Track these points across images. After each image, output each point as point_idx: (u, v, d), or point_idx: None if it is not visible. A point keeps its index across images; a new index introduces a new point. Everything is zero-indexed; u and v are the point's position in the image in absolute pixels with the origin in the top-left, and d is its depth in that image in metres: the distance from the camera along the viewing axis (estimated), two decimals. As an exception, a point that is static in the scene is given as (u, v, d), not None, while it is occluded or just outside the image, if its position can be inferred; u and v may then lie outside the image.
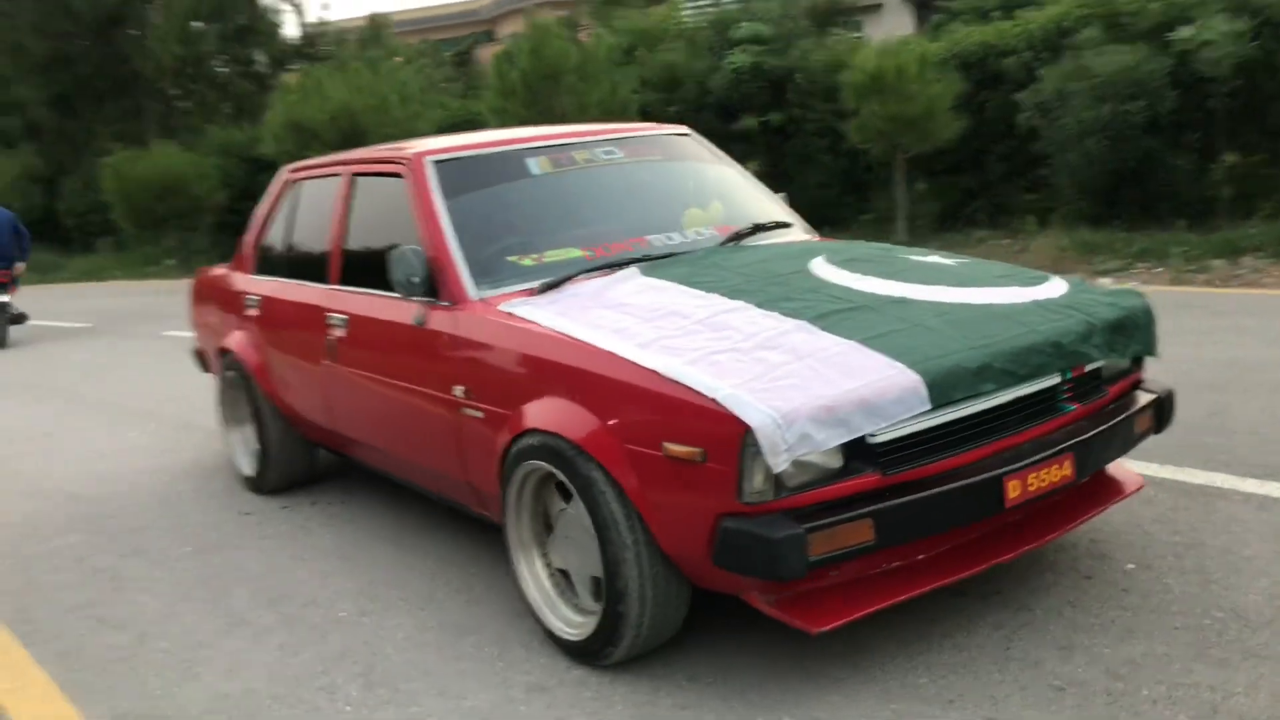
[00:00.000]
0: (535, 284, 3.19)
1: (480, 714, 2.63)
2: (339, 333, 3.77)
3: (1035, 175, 10.64)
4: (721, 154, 4.19)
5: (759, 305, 2.84)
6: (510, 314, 3.03)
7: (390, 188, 3.65)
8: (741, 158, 12.64)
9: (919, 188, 12.01)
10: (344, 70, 15.93)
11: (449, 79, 21.23)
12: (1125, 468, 3.23)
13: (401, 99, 15.83)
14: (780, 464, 2.29)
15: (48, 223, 23.41)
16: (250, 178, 17.86)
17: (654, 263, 3.30)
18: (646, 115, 13.41)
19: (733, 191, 4.01)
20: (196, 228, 19.34)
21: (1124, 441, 2.91)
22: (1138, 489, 3.10)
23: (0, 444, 6.15)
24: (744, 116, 12.59)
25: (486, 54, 22.32)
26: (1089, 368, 2.85)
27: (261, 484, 4.57)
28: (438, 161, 3.56)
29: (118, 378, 8.09)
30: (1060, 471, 2.65)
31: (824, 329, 2.66)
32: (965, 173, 11.35)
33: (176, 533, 4.25)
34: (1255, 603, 2.77)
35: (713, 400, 2.38)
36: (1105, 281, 8.19)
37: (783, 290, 2.96)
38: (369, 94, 15.59)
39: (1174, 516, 3.38)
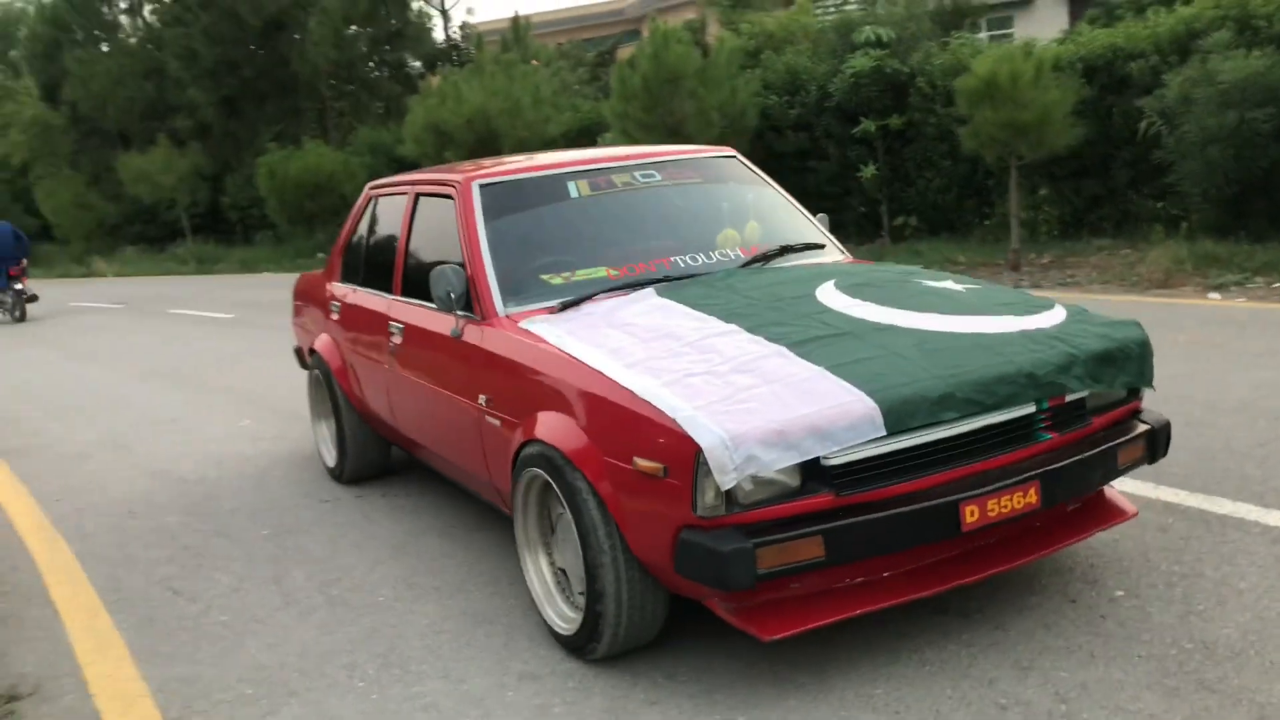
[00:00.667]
0: (555, 302, 3.44)
1: (473, 697, 2.90)
2: (397, 340, 4.10)
3: (1161, 183, 10.31)
4: (764, 176, 4.34)
5: (749, 329, 3.02)
6: (527, 330, 3.28)
7: (444, 209, 3.95)
8: (860, 161, 12.72)
9: (1041, 194, 11.77)
10: (480, 74, 16.55)
11: (585, 81, 21.71)
12: (1121, 496, 3.27)
13: (534, 102, 16.36)
14: (728, 482, 2.47)
15: (213, 216, 25.06)
16: (395, 177, 18.72)
17: (671, 284, 3.50)
18: (767, 118, 13.54)
19: (770, 213, 4.17)
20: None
21: (1105, 472, 2.96)
22: (1127, 518, 3.15)
23: (133, 427, 6.79)
24: (863, 120, 12.54)
25: (627, 54, 22.86)
26: (1070, 398, 2.92)
27: (340, 474, 4.97)
28: (484, 185, 3.84)
29: (246, 367, 8.73)
30: (1024, 499, 2.74)
31: (799, 355, 2.82)
32: (1091, 178, 11.07)
33: (260, 515, 4.68)
34: (1228, 636, 2.80)
35: (673, 420, 2.57)
36: (1214, 297, 7.94)
37: (777, 315, 3.12)
38: (503, 97, 16.18)
39: (1182, 545, 3.39)
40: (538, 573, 3.23)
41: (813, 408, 2.57)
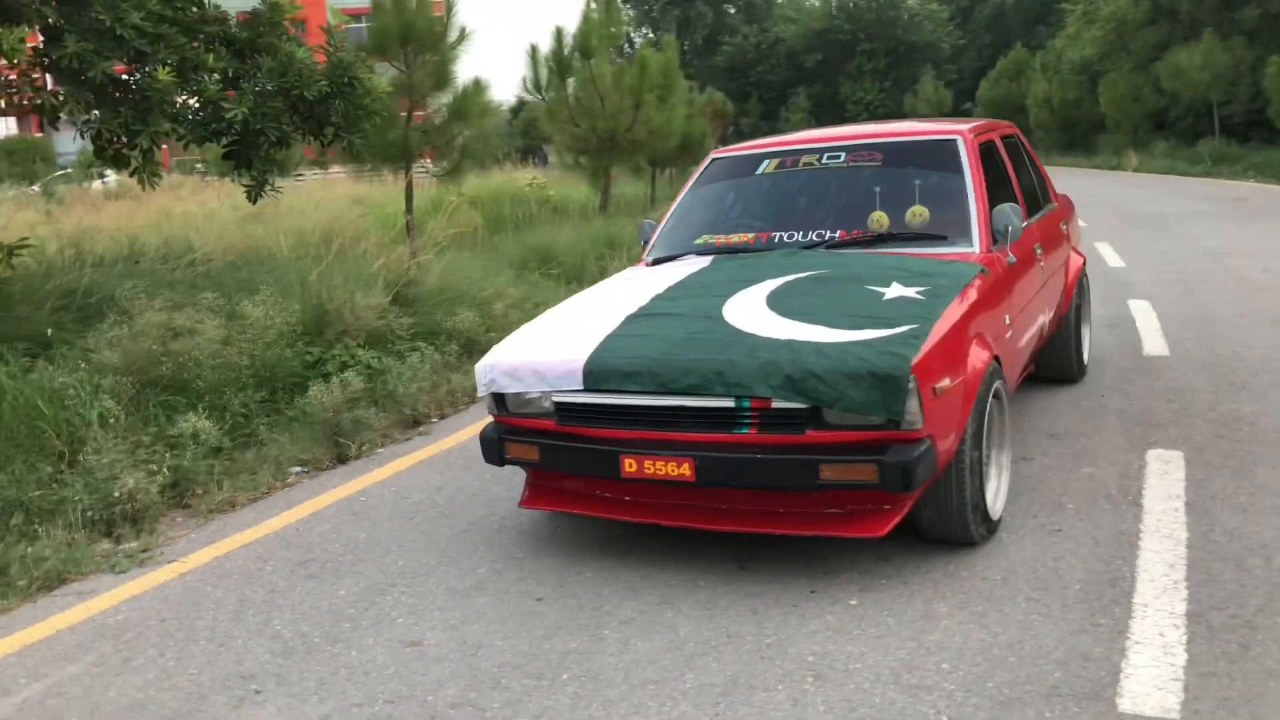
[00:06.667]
0: (651, 259, 4.59)
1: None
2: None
3: None
4: (968, 165, 4.33)
5: (653, 298, 3.92)
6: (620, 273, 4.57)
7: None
8: None
9: None
10: None
11: None
12: (890, 516, 3.29)
13: None
14: (481, 391, 3.74)
15: (1257, 115, 23.90)
16: None
17: (727, 256, 4.33)
18: None
19: (939, 201, 4.31)
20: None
21: (794, 477, 3.22)
22: (864, 535, 3.30)
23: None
24: None
25: None
26: (777, 405, 3.24)
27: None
28: (715, 158, 4.98)
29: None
30: (679, 469, 3.32)
31: (621, 322, 3.73)
32: None
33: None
34: (817, 648, 3.01)
35: (499, 346, 3.88)
36: None
37: (695, 292, 3.92)
38: None
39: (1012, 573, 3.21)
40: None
41: (550, 357, 3.61)
